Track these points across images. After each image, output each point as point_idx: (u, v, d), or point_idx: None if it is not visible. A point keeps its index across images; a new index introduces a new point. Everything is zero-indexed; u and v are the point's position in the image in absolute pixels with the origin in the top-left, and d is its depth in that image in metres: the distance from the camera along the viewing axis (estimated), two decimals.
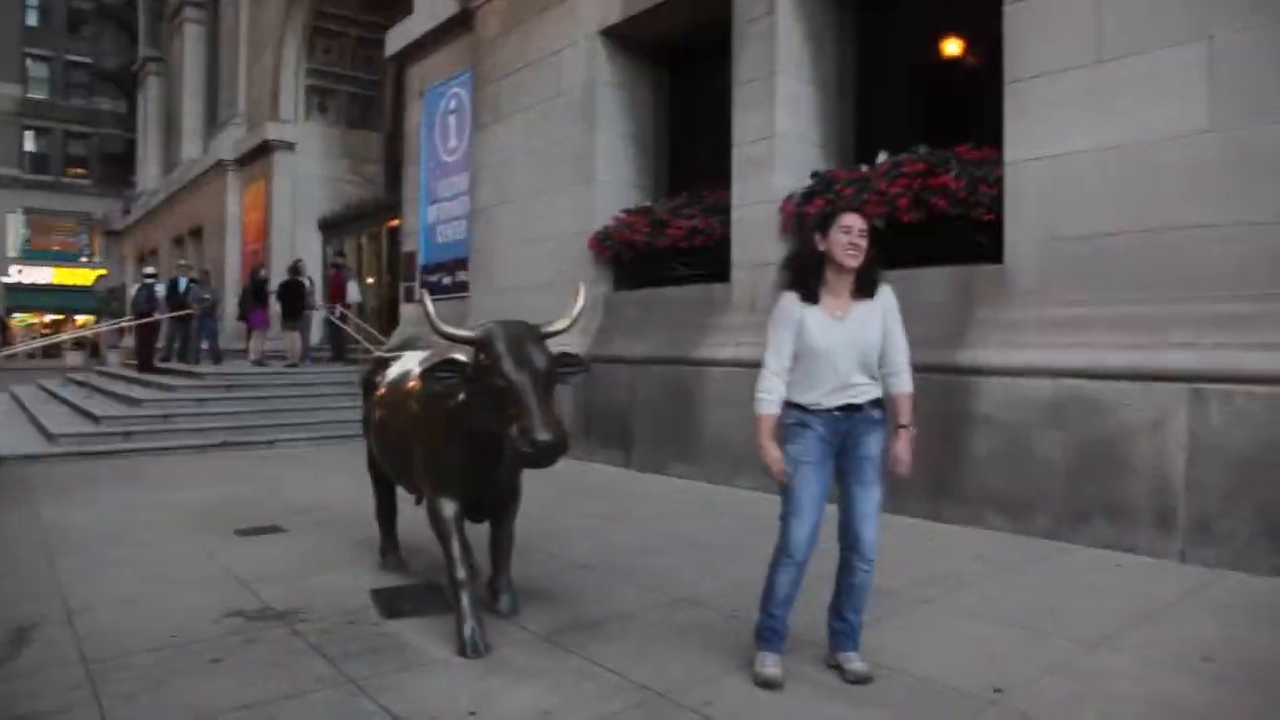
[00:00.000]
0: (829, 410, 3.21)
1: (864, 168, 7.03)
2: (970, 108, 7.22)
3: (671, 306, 8.45)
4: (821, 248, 3.21)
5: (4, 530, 6.09)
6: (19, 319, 40.95)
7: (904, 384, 3.31)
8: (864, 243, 3.16)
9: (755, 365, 7.46)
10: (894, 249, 6.69)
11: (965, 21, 7.19)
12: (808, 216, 7.19)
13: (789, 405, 3.29)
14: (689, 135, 9.74)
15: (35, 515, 6.54)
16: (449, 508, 3.76)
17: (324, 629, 3.90)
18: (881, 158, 6.96)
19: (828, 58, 7.91)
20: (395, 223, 15.88)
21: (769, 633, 3.31)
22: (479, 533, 4.05)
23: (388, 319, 16.32)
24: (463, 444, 3.63)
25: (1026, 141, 5.88)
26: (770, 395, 3.27)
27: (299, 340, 14.60)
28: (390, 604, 4.22)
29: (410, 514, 4.94)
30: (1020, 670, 3.31)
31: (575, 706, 3.06)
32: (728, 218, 8.01)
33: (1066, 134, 5.65)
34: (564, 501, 6.54)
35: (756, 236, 7.66)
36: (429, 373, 3.43)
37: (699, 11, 8.62)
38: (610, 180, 9.59)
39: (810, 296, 3.24)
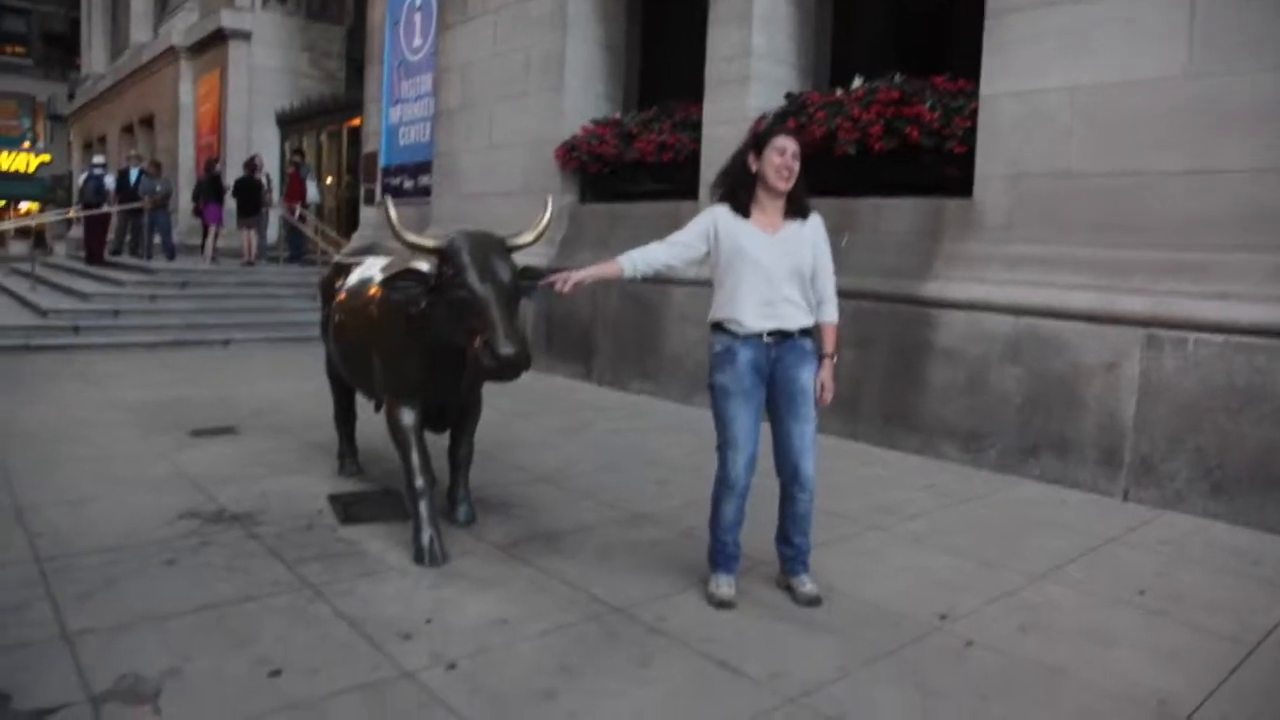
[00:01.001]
0: (758, 335, 3.21)
1: (838, 91, 6.92)
2: (949, 37, 7.11)
3: (639, 221, 8.34)
4: (754, 168, 3.25)
5: None
6: None
7: (830, 313, 3.34)
8: (796, 165, 3.20)
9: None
10: (865, 177, 6.72)
11: None
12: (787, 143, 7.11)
13: (716, 329, 3.32)
14: (663, 48, 9.49)
15: None
16: (408, 416, 3.74)
17: (280, 533, 3.90)
18: (857, 83, 6.84)
19: None
20: (357, 121, 15.40)
21: (720, 555, 3.38)
22: (437, 442, 4.05)
23: (347, 221, 15.97)
24: (423, 354, 3.60)
25: (1002, 75, 5.80)
26: (635, 254, 3.38)
27: (255, 238, 14.26)
28: (347, 510, 4.23)
29: (369, 420, 4.92)
30: (965, 599, 3.42)
31: (530, 617, 3.11)
32: (698, 134, 7.87)
33: (1042, 70, 5.58)
34: (524, 413, 6.55)
35: (726, 155, 7.51)
36: (389, 282, 3.36)
37: None
38: (580, 88, 9.35)
39: (741, 210, 3.28)
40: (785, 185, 3.21)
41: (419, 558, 3.54)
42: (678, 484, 4.98)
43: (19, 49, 40.82)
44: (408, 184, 12.45)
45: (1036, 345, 5.42)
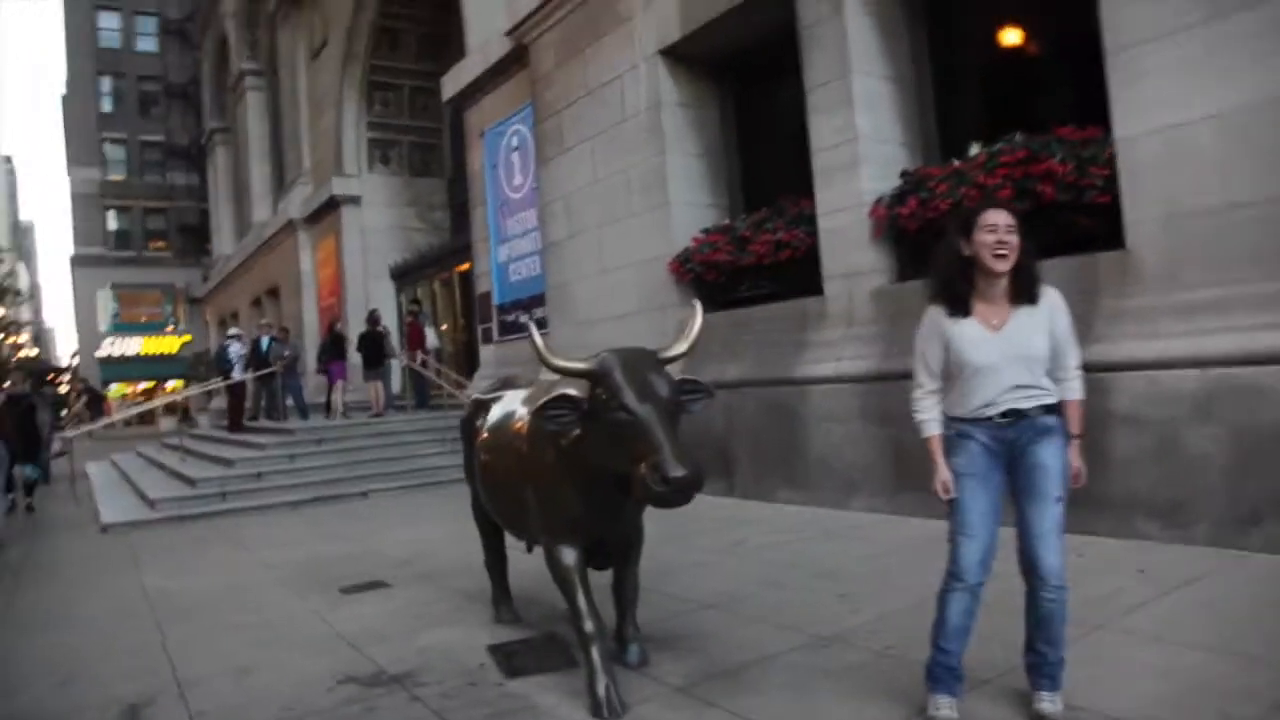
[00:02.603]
0: (990, 419, 2.89)
1: (955, 162, 6.65)
2: (1063, 87, 6.83)
3: (763, 325, 8.13)
4: (967, 253, 2.89)
5: (113, 600, 6.03)
6: (114, 390, 42.39)
7: (1074, 391, 2.95)
8: (1013, 239, 2.82)
9: (859, 380, 7.10)
10: None
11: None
12: (901, 219, 6.86)
13: (948, 418, 2.99)
14: (761, 149, 9.45)
15: (140, 583, 6.48)
16: (569, 555, 3.49)
17: (444, 693, 3.66)
18: (974, 149, 6.58)
19: (901, 50, 7.55)
20: (465, 266, 15.89)
21: (942, 671, 2.96)
22: (597, 579, 3.78)
23: (466, 363, 16.29)
24: (580, 485, 3.37)
25: (1137, 114, 5.45)
26: (928, 415, 3.02)
27: (382, 390, 14.62)
28: (511, 661, 3.96)
29: (521, 561, 4.70)
30: (1240, 707, 2.89)
31: None
32: (813, 228, 7.68)
33: (1182, 101, 5.21)
34: (671, 536, 6.21)
35: (846, 245, 7.31)
36: (541, 411, 3.17)
37: (759, 19, 8.32)
38: (685, 201, 9.33)
39: (960, 308, 2.93)
40: (1004, 266, 2.83)
41: (596, 711, 3.23)
42: (861, 597, 4.55)
43: (160, 244, 44.48)
44: (523, 318, 12.60)
45: (1232, 397, 4.86)
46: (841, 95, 7.34)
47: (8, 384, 11.88)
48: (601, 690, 3.25)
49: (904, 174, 7.04)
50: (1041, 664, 2.92)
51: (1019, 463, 2.90)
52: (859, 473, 6.94)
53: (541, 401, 3.19)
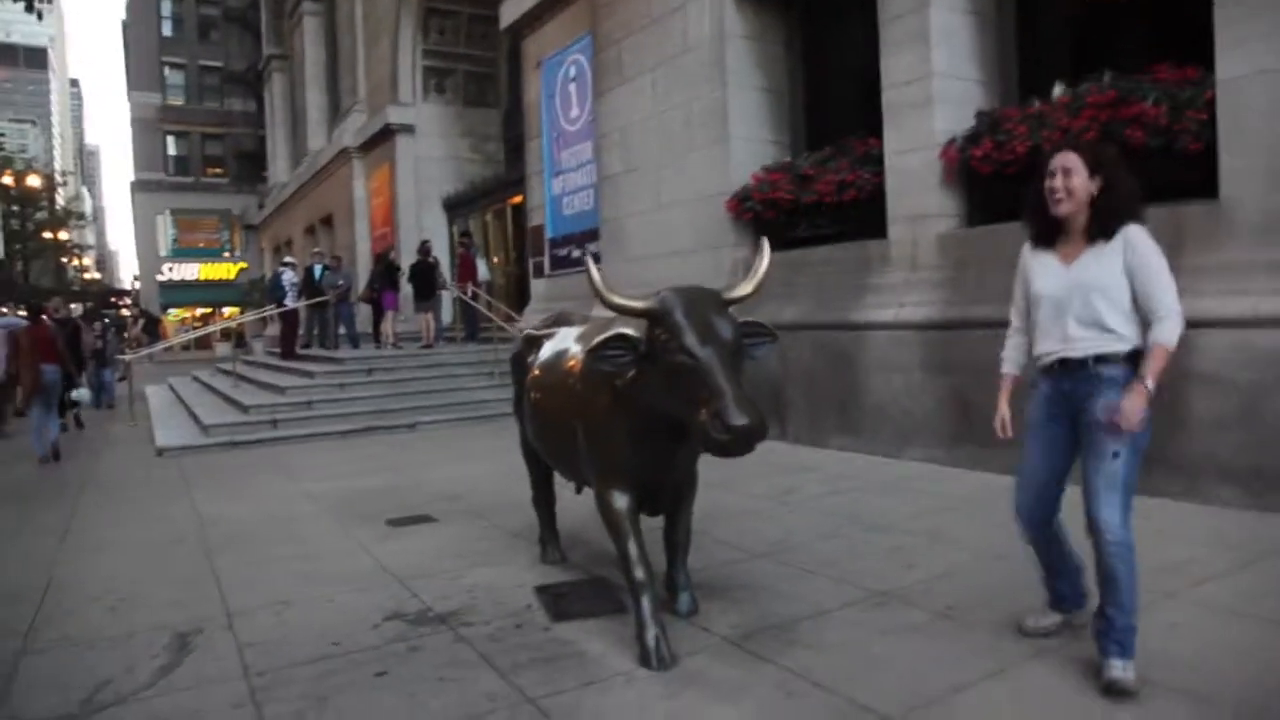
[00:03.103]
0: (1049, 366, 2.96)
1: (1037, 103, 6.27)
2: (1160, 24, 6.37)
3: (822, 268, 7.87)
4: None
5: (165, 525, 6.09)
6: (172, 314, 43.31)
7: (1158, 333, 2.76)
8: (1075, 181, 2.83)
9: (921, 328, 6.86)
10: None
11: None
12: (974, 161, 6.53)
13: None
14: (827, 86, 9.07)
15: (192, 509, 6.55)
16: (622, 500, 3.36)
17: (490, 634, 3.59)
18: (1058, 90, 6.19)
19: None
20: (519, 199, 15.72)
21: (1045, 586, 3.24)
22: (648, 524, 3.67)
23: (517, 296, 16.22)
24: (634, 429, 3.23)
25: (1243, 54, 5.05)
26: (1005, 354, 3.23)
27: (432, 321, 14.64)
28: (558, 604, 3.89)
29: (570, 501, 4.61)
30: None
31: None
32: (880, 169, 7.36)
33: None
34: (722, 480, 6.07)
35: (914, 187, 7.00)
36: (596, 350, 3.02)
37: None
38: (745, 137, 9.02)
39: (1041, 240, 3.03)
40: (1062, 209, 2.86)
41: (645, 660, 3.13)
42: (915, 552, 4.39)
43: (218, 170, 44.93)
44: (575, 253, 12.44)
45: None
46: (917, 28, 6.96)
47: (52, 307, 12.05)
48: (651, 640, 3.15)
49: (979, 114, 6.69)
50: (1109, 629, 2.79)
51: (1080, 416, 2.88)
52: (917, 422, 6.73)
53: (596, 340, 3.04)
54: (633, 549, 3.30)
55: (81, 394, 11.62)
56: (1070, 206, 2.84)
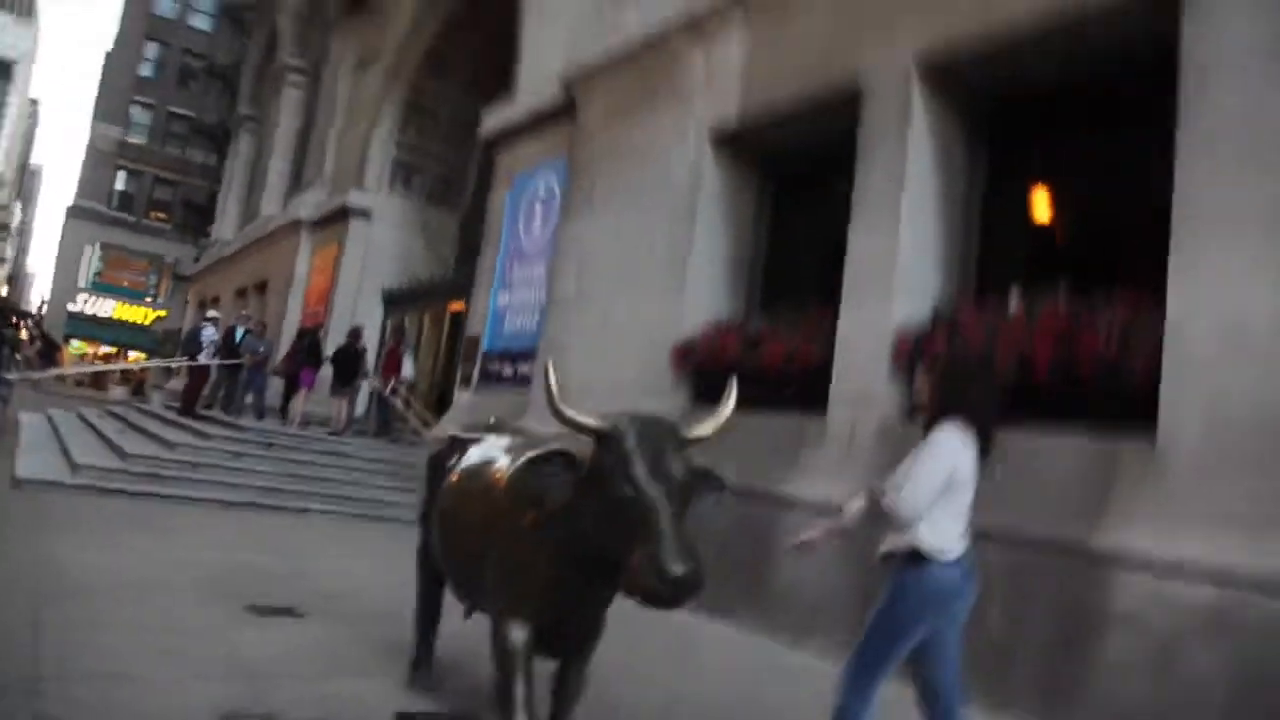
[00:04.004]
0: None
1: (994, 315, 6.39)
2: (1120, 248, 6.61)
3: (754, 435, 7.70)
4: None
5: (1, 565, 5.45)
6: (76, 346, 41.39)
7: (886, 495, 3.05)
8: (923, 394, 3.30)
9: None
10: (1022, 403, 6.06)
11: (1115, 151, 6.66)
12: (925, 357, 6.57)
13: None
14: (790, 254, 9.22)
15: (36, 552, 5.89)
16: (520, 633, 3.02)
17: None
18: (1014, 301, 6.34)
19: (957, 181, 7.36)
20: (459, 306, 15.52)
21: None
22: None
23: (437, 404, 15.78)
24: (554, 558, 2.93)
25: (1191, 293, 5.20)
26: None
27: (346, 408, 14.09)
28: None
29: (455, 624, 4.21)
30: None
31: None
32: (830, 344, 7.38)
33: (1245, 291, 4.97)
34: (617, 636, 5.71)
35: (863, 368, 7.00)
36: (533, 464, 2.77)
37: (824, 121, 8.14)
38: (702, 289, 9.03)
39: None
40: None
41: None
42: None
43: (162, 216, 44.11)
44: (507, 370, 12.20)
45: (1250, 620, 4.49)
46: (890, 214, 7.11)
47: None
48: None
49: (936, 311, 6.80)
50: None
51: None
52: (821, 612, 6.49)
53: (536, 453, 2.79)
54: (519, 691, 2.95)
55: None
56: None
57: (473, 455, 3.71)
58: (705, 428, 3.00)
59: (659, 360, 8.92)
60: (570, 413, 2.78)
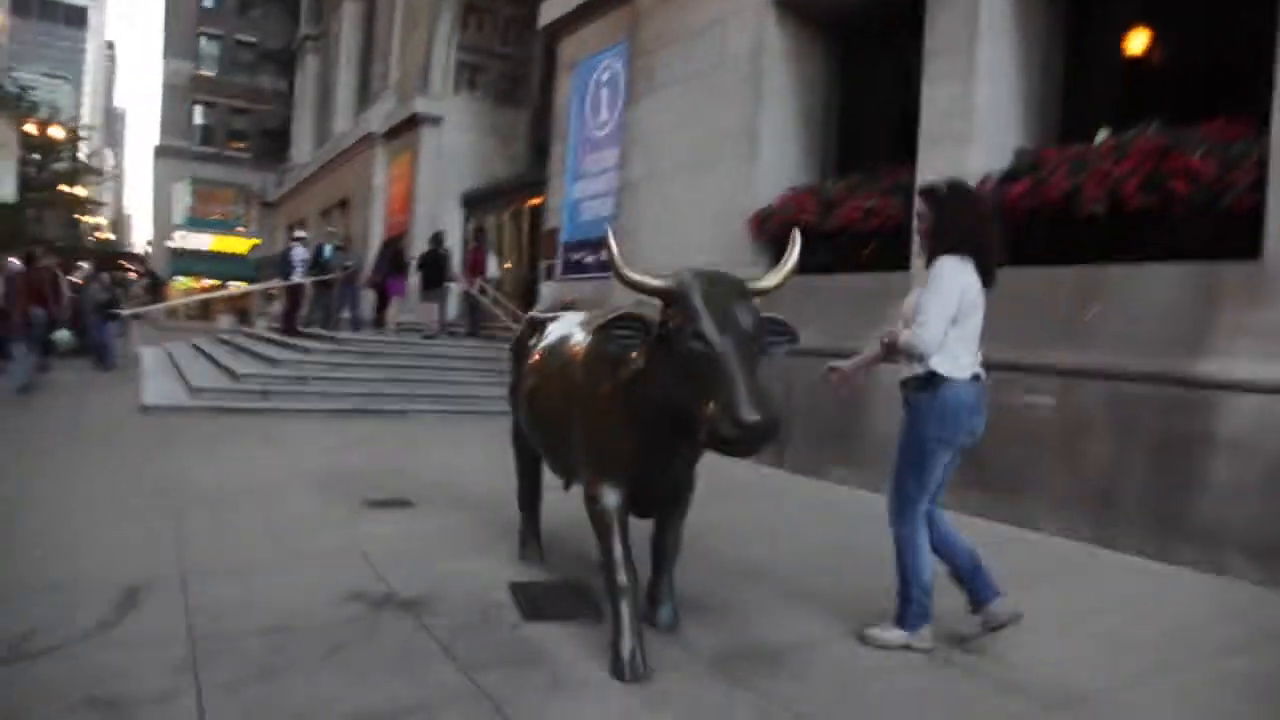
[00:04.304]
0: None
1: (1079, 146, 6.09)
2: (1215, 81, 6.19)
3: (838, 295, 7.65)
4: None
5: (136, 480, 5.87)
6: (179, 282, 43.15)
7: (900, 333, 3.28)
8: (920, 223, 3.41)
9: None
10: (1116, 239, 5.82)
11: None
12: (1009, 200, 6.33)
13: None
14: (863, 111, 8.92)
15: (167, 467, 6.32)
16: (612, 496, 3.13)
17: (455, 625, 3.36)
18: (1102, 135, 6.02)
19: (1036, 21, 6.95)
20: (537, 201, 15.54)
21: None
22: (637, 528, 3.45)
23: (525, 299, 16.02)
24: (636, 421, 3.00)
25: None
26: None
27: (436, 311, 14.43)
28: (532, 603, 3.65)
29: (557, 498, 4.38)
30: None
31: None
32: (908, 200, 7.15)
33: None
34: (713, 497, 5.81)
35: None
36: (605, 329, 2.80)
37: None
38: (774, 157, 8.85)
39: None
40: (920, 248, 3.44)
41: (618, 671, 2.90)
42: None
43: (241, 145, 44.91)
44: (588, 259, 12.25)
45: None
46: (962, 62, 6.78)
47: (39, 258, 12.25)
48: (626, 650, 2.92)
49: (1018, 152, 6.50)
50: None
51: None
52: None
53: (606, 318, 2.83)
54: (618, 550, 3.07)
55: (60, 335, 11.86)
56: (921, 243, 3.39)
57: (550, 333, 3.78)
58: (770, 279, 2.99)
59: (736, 232, 8.84)
60: (635, 275, 2.79)
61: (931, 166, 6.94)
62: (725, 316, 2.61)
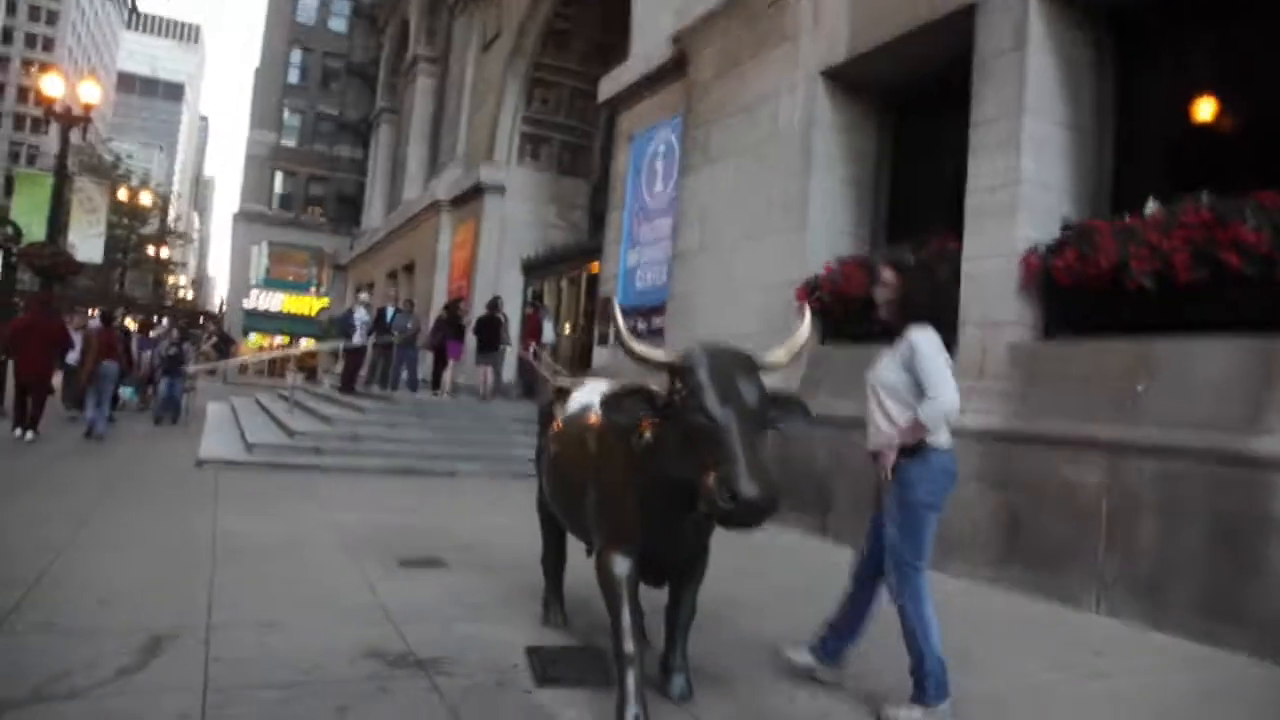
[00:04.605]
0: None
1: (1128, 217, 6.01)
2: (1261, 156, 6.08)
3: None
4: None
5: (181, 531, 6.03)
6: (253, 340, 44.54)
7: (919, 408, 3.27)
8: (882, 293, 3.51)
9: (979, 437, 6.52)
10: (1163, 310, 5.70)
11: (1253, 50, 6.11)
12: (1056, 271, 6.26)
13: None
14: (912, 183, 8.93)
15: (213, 520, 6.47)
16: (623, 565, 3.13)
17: (467, 688, 3.36)
18: (1151, 206, 5.93)
19: (1083, 96, 6.94)
20: (595, 268, 15.79)
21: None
22: (651, 597, 3.43)
23: (580, 362, 16.18)
24: (646, 492, 3.02)
25: None
26: None
27: (491, 375, 14.65)
28: (546, 668, 3.63)
29: (582, 565, 4.37)
30: None
31: None
32: (956, 271, 7.11)
33: None
34: (748, 567, 5.75)
35: (989, 292, 6.73)
36: (611, 402, 2.85)
37: (934, 47, 7.83)
38: (824, 227, 8.89)
39: (886, 335, 3.55)
40: (880, 313, 3.54)
41: None
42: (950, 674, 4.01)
43: (318, 210, 46.62)
44: (641, 325, 12.34)
45: None
46: (1008, 134, 6.77)
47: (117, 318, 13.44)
48: (630, 718, 2.88)
49: (1066, 225, 6.44)
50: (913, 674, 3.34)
51: None
52: (964, 536, 6.33)
53: (612, 392, 2.87)
54: (626, 617, 3.05)
55: (125, 391, 12.93)
56: (885, 312, 3.51)
57: (573, 402, 3.83)
58: (779, 354, 3.01)
59: (786, 302, 8.85)
60: (641, 348, 2.84)
61: (978, 239, 6.92)
62: (729, 390, 2.64)
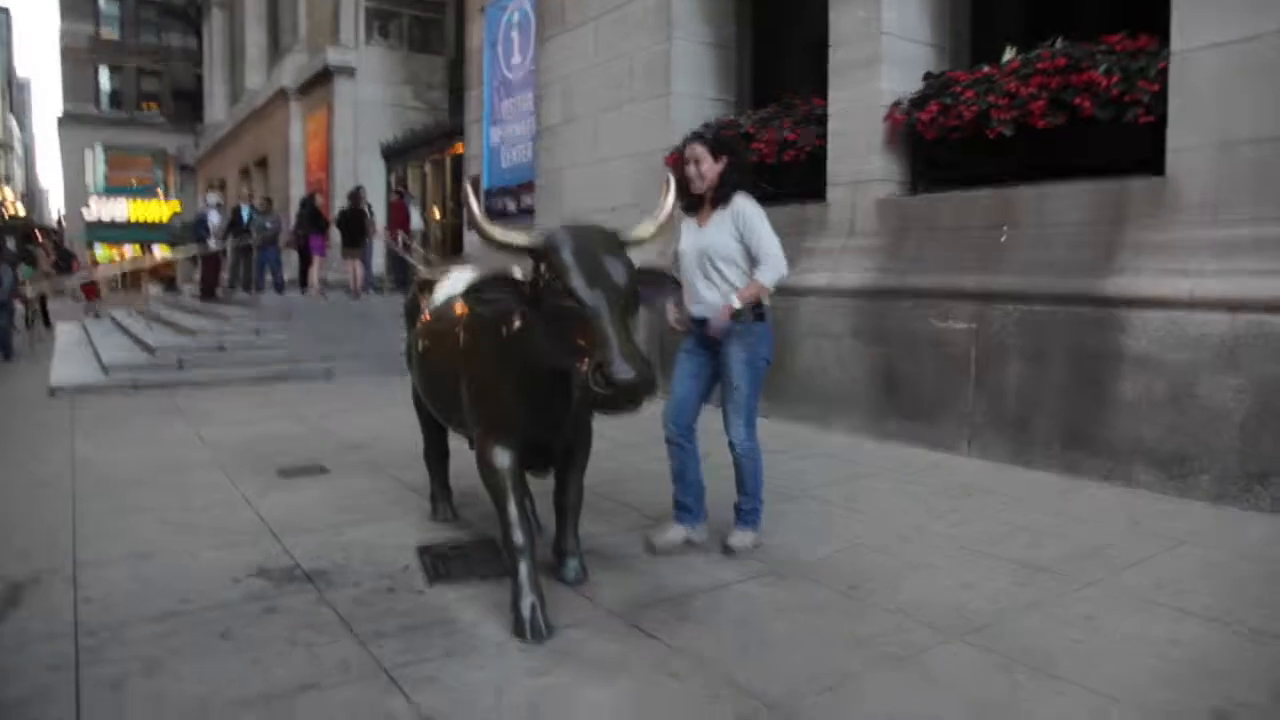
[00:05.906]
0: (697, 320, 3.67)
1: (986, 67, 6.04)
2: None
3: None
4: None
5: (35, 466, 5.64)
6: (100, 253, 41.63)
7: (759, 274, 3.53)
8: (703, 167, 3.61)
9: (853, 294, 6.63)
10: (1025, 160, 5.81)
11: None
12: (920, 125, 6.28)
13: None
14: (776, 43, 8.76)
15: (71, 451, 6.08)
16: (504, 457, 3.05)
17: (358, 596, 3.28)
18: (1009, 54, 5.96)
19: None
20: (459, 149, 15.16)
21: (675, 505, 3.84)
22: (539, 484, 3.39)
23: (452, 249, 15.72)
24: (520, 380, 2.91)
25: (1199, 24, 4.84)
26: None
27: (360, 269, 14.09)
28: (438, 566, 3.58)
29: (467, 455, 4.28)
30: (1242, 691, 2.51)
31: (657, 716, 2.38)
32: (823, 129, 7.08)
33: (1256, 11, 4.61)
34: (631, 443, 5.72)
35: (857, 148, 6.73)
36: (474, 292, 2.70)
37: None
38: (688, 92, 8.69)
39: (690, 208, 3.75)
40: (697, 189, 3.64)
41: (519, 631, 2.84)
42: (836, 525, 4.16)
43: (153, 106, 43.11)
44: (510, 205, 12.01)
45: (1264, 348, 4.40)
46: None
47: None
48: (526, 609, 2.86)
49: (927, 76, 6.43)
50: (739, 509, 3.74)
51: (718, 355, 3.62)
52: (845, 392, 6.52)
53: (475, 281, 2.71)
54: (512, 510, 2.99)
55: None
56: (704, 187, 3.63)
57: (439, 293, 3.65)
58: (644, 228, 2.91)
59: (655, 172, 8.66)
60: (499, 233, 2.69)
61: (842, 94, 6.86)
62: (596, 271, 2.52)
